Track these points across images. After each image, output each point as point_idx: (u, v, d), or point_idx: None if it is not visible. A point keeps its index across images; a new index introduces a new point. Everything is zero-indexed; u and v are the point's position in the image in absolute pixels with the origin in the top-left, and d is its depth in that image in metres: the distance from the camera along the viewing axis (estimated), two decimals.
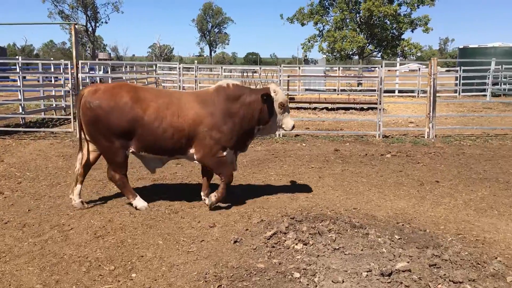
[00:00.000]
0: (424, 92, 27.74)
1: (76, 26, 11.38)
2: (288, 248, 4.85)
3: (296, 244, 4.94)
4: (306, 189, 7.16)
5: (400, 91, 27.00)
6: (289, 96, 20.68)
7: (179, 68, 14.73)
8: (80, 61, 12.52)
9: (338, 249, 4.84)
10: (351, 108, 19.11)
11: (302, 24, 32.00)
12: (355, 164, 9.05)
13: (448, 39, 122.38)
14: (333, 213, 5.99)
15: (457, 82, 27.11)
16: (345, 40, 29.64)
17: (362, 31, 30.31)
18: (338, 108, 19.16)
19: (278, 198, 6.72)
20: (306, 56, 33.64)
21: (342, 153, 10.12)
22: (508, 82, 25.43)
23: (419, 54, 33.96)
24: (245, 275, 4.27)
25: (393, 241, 5.05)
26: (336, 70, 29.42)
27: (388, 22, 30.26)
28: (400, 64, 37.75)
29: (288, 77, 22.09)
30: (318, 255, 4.68)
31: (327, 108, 19.36)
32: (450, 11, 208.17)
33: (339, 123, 15.33)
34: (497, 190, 7.10)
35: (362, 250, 4.78)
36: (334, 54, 30.92)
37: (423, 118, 12.67)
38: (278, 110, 6.14)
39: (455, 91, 26.84)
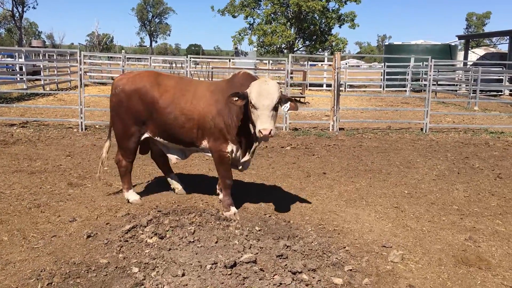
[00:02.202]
0: (351, 86, 28.73)
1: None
2: (140, 242, 4.72)
3: (151, 237, 4.82)
4: (192, 180, 7.04)
5: (328, 85, 27.55)
6: None
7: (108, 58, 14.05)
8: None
9: (193, 242, 4.76)
10: None
11: (234, 17, 31.84)
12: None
13: (385, 36, 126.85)
14: (204, 205, 5.93)
15: (382, 77, 28.07)
16: (274, 34, 29.77)
17: (292, 26, 30.57)
18: None
19: (158, 191, 6.55)
20: (236, 48, 33.53)
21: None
22: (427, 78, 26.53)
23: (349, 49, 34.73)
24: (83, 271, 4.09)
25: (252, 232, 5.05)
26: (266, 63, 29.64)
27: (317, 17, 30.70)
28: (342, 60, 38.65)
29: (212, 69, 22.06)
30: (170, 249, 4.58)
31: None
32: (387, 8, 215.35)
33: None
34: (375, 181, 7.31)
35: (216, 242, 4.73)
36: (265, 48, 30.99)
37: (342, 111, 12.92)
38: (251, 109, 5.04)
39: (380, 86, 27.77)
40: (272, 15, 30.80)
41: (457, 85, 26.51)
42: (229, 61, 29.40)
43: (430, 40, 32.70)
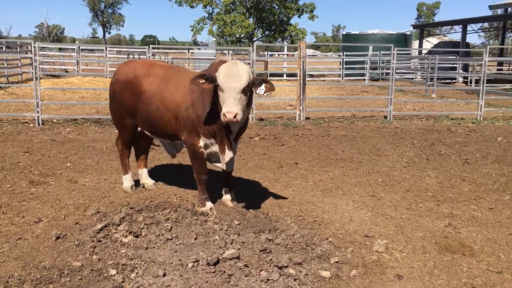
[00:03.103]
0: (311, 75, 28.88)
1: None
2: (115, 242, 4.46)
3: (126, 236, 4.57)
4: (160, 175, 6.78)
5: (288, 75, 27.56)
6: None
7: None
8: None
9: (171, 239, 4.54)
10: None
11: (191, 7, 31.27)
12: None
13: (340, 26, 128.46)
14: (178, 200, 5.70)
15: (341, 66, 28.32)
16: (234, 24, 29.47)
17: (251, 15, 30.34)
18: None
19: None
20: (195, 38, 32.99)
21: None
22: (386, 67, 27.02)
23: (306, 39, 34.87)
24: (56, 276, 3.82)
25: (231, 227, 4.87)
26: (226, 53, 29.33)
27: (276, 7, 30.60)
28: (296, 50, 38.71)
29: (172, 59, 21.60)
30: (147, 247, 4.35)
31: None
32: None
33: None
34: (348, 170, 7.28)
35: (195, 238, 4.53)
36: (224, 38, 30.66)
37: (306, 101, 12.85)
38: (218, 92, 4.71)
39: (339, 75, 28.03)
40: (231, 4, 30.44)
41: (412, 73, 27.12)
42: (188, 51, 28.92)
43: (386, 30, 33.26)
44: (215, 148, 5.16)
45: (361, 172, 7.18)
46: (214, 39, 31.80)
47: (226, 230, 4.74)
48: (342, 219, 5.18)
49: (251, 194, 5.92)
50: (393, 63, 12.61)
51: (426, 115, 13.44)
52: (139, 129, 5.81)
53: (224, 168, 5.25)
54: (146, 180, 6.24)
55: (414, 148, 8.89)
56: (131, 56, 28.01)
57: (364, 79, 26.03)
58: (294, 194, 6.06)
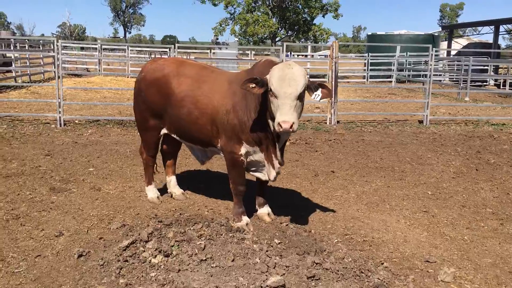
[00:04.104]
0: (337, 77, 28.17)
1: None
2: (143, 262, 3.96)
3: (155, 256, 4.06)
4: (187, 183, 6.29)
5: (311, 76, 26.93)
6: None
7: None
8: None
9: (205, 260, 4.04)
10: None
11: (214, 5, 30.86)
12: None
13: (360, 27, 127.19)
14: (210, 213, 5.20)
15: (365, 68, 27.58)
16: (257, 24, 28.98)
17: (274, 15, 29.82)
18: None
19: None
20: (217, 39, 32.57)
21: None
22: (413, 69, 26.22)
23: (330, 40, 34.20)
24: None
25: (271, 246, 4.35)
26: (248, 53, 28.83)
27: (300, 6, 30.01)
28: (316, 51, 38.17)
29: (195, 58, 21.17)
30: (179, 270, 3.85)
31: None
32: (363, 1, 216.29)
33: None
34: (391, 180, 6.68)
35: (233, 260, 4.02)
36: (247, 38, 30.19)
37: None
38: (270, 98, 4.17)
39: (364, 77, 27.28)
40: (253, 4, 29.97)
41: (440, 75, 26.25)
42: (210, 51, 28.49)
43: (413, 30, 32.36)
44: (258, 156, 4.65)
45: (406, 183, 6.57)
46: (236, 39, 31.37)
47: (267, 251, 4.22)
48: (395, 239, 4.61)
49: (290, 207, 5.39)
50: (430, 64, 11.92)
51: (464, 120, 12.71)
52: (164, 131, 5.29)
53: (271, 178, 4.71)
54: (174, 188, 5.76)
55: (459, 156, 8.24)
56: (152, 56, 27.69)
57: (391, 81, 25.25)
58: (336, 207, 5.50)
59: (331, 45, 11.24)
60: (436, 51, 28.19)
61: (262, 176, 4.81)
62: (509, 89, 21.12)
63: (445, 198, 5.91)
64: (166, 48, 27.81)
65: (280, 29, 30.58)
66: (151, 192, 5.63)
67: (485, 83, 25.30)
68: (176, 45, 11.44)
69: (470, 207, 5.58)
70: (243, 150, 4.61)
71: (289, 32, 31.26)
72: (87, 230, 4.65)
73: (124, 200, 5.57)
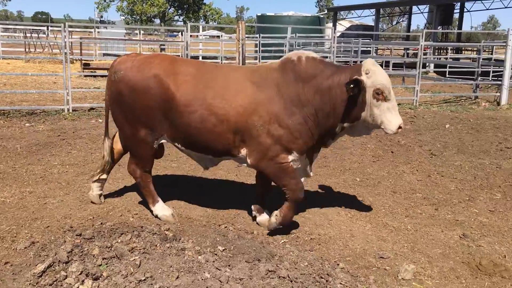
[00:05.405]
0: (227, 58, 27.84)
1: None
2: None
3: (82, 281, 3.37)
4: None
5: (203, 57, 26.32)
6: (83, 62, 18.10)
7: None
8: None
9: (144, 280, 3.44)
10: None
11: None
12: None
13: (243, 7, 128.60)
14: (137, 219, 4.57)
15: (257, 49, 27.62)
16: (145, 2, 27.51)
17: None
18: None
19: (62, 201, 4.98)
20: (101, 16, 30.45)
21: None
22: (303, 49, 26.81)
23: (220, 20, 33.72)
24: None
25: (216, 255, 3.87)
26: (137, 33, 27.34)
27: None
28: (202, 31, 37.39)
29: (81, 39, 19.44)
30: None
31: None
32: None
33: None
34: (317, 167, 6.49)
35: (178, 278, 3.48)
36: (134, 16, 28.57)
37: None
38: (373, 101, 3.95)
39: (255, 58, 27.29)
40: None
41: (327, 57, 27.21)
42: (95, 30, 26.49)
43: (301, 12, 33.15)
44: (306, 159, 4.27)
45: (332, 170, 6.46)
46: (123, 17, 29.54)
47: (214, 262, 3.74)
48: (341, 234, 4.39)
49: (222, 204, 4.94)
50: (333, 47, 12.03)
51: None
52: (163, 140, 4.46)
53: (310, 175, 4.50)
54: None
55: (371, 138, 8.35)
56: (28, 35, 24.92)
57: None
58: (269, 203, 5.12)
59: (236, 26, 10.80)
60: (322, 32, 29.21)
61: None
62: (392, 69, 22.48)
63: (374, 184, 5.87)
64: (44, 26, 25.28)
65: (169, 8, 29.38)
66: (161, 209, 4.63)
67: None
68: (67, 23, 10.13)
69: (401, 192, 5.58)
70: (291, 157, 4.09)
71: (180, 11, 30.20)
72: None
73: (27, 210, 4.68)
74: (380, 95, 3.92)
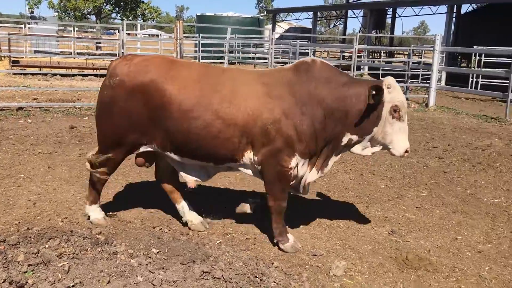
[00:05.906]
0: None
1: None
2: None
3: None
4: (29, 187, 5.30)
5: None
6: (12, 59, 17.21)
7: None
8: None
9: (73, 286, 3.33)
10: (90, 75, 16.84)
11: None
12: (95, 144, 7.41)
13: (183, 7, 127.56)
14: (66, 223, 4.41)
15: (197, 48, 27.47)
16: None
17: None
18: (74, 75, 16.71)
19: None
20: (32, 12, 29.02)
21: (79, 131, 8.33)
22: (242, 50, 26.95)
23: (159, 19, 33.21)
24: None
25: (150, 257, 3.82)
26: (71, 30, 26.34)
27: None
28: (141, 29, 36.77)
29: (9, 34, 18.51)
30: None
31: (61, 74, 16.71)
32: None
33: (76, 92, 13.20)
34: None
35: (109, 282, 3.39)
36: (68, 12, 27.50)
37: None
38: (388, 118, 3.92)
39: (195, 58, 27.13)
40: None
41: (266, 58, 27.54)
42: (25, 26, 25.23)
43: (240, 13, 33.30)
44: (303, 169, 4.09)
45: None
46: (56, 13, 28.35)
47: (147, 265, 3.68)
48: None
49: (161, 207, 4.87)
50: (271, 48, 12.19)
51: None
52: (146, 149, 4.22)
53: (301, 192, 4.34)
54: (190, 216, 4.54)
55: None
56: None
57: (223, 63, 25.59)
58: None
59: (174, 25, 10.68)
60: (261, 34, 29.51)
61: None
62: None
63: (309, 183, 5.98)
64: None
65: (105, 4, 28.53)
66: (95, 212, 4.46)
67: None
68: None
69: (335, 191, 5.74)
70: (293, 162, 3.95)
71: (116, 8, 29.40)
72: None
73: None
74: (396, 112, 3.93)
